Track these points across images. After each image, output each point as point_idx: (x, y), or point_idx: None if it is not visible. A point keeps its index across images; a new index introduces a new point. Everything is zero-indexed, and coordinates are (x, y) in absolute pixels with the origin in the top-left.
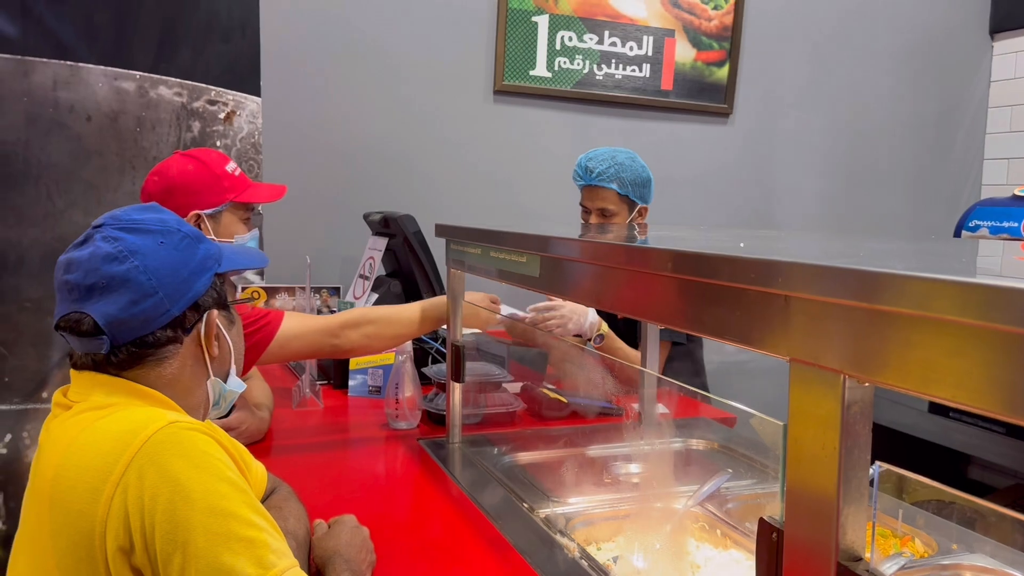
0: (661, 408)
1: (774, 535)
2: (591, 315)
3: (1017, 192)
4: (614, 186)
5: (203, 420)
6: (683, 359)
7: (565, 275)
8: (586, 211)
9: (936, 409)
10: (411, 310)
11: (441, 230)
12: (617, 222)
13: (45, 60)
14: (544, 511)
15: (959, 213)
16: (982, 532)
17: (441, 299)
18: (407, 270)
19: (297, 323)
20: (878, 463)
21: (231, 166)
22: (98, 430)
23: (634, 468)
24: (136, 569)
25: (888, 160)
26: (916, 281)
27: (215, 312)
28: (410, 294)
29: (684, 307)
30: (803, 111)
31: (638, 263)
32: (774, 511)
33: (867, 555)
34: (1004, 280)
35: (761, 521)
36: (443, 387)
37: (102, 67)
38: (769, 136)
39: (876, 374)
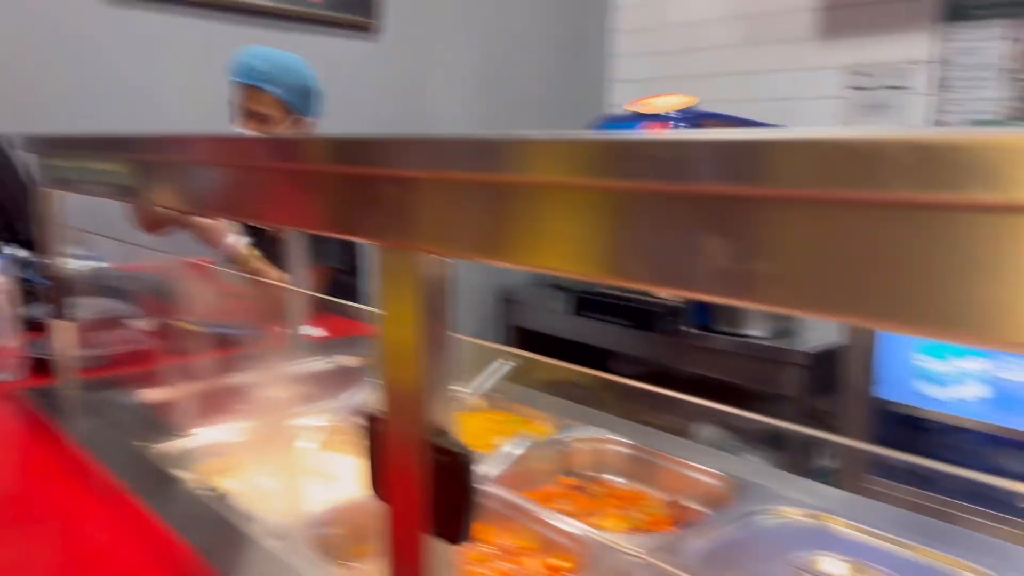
0: (311, 330)
1: (372, 423)
2: (230, 235)
3: (629, 108)
4: (278, 91)
5: None
6: (345, 285)
7: (170, 182)
8: (241, 114)
9: (580, 311)
10: None
11: (25, 143)
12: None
13: None
14: (165, 447)
15: None
16: (603, 409)
17: None
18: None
19: None
20: (501, 361)
21: None
22: None
23: (275, 393)
24: None
25: (528, 82)
26: (487, 143)
27: None
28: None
29: (284, 202)
30: (451, 31)
31: (236, 157)
32: None
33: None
34: (582, 134)
35: (363, 414)
36: None
37: None
38: (418, 55)
39: (453, 248)
